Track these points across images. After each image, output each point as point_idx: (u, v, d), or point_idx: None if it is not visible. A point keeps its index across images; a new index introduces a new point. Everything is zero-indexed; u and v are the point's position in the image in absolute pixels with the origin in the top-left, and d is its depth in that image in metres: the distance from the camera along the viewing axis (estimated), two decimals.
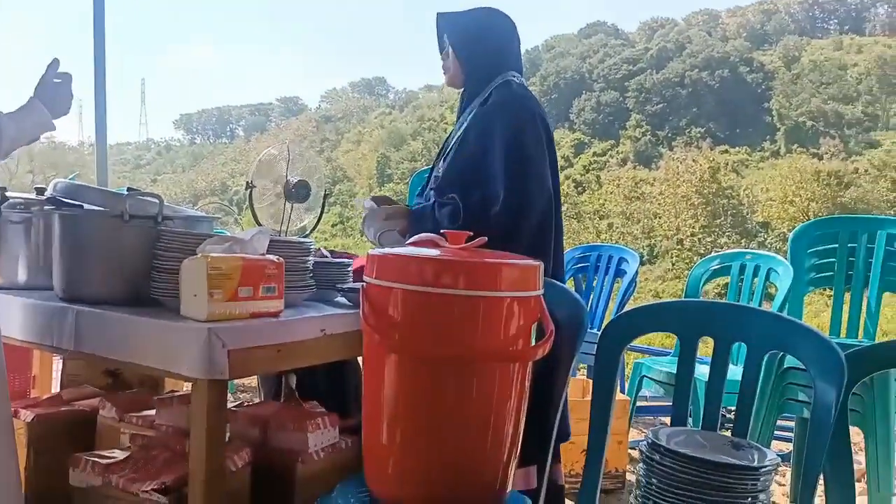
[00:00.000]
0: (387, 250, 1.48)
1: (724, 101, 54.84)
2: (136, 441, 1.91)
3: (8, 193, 2.01)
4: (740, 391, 1.57)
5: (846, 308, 3.01)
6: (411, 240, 1.63)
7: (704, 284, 3.49)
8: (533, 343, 1.47)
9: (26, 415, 2.09)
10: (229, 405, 2.02)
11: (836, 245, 3.04)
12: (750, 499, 1.35)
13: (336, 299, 2.01)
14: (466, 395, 1.40)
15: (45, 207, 1.84)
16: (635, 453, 3.08)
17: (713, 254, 3.74)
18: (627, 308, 2.79)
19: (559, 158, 2.29)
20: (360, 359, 1.61)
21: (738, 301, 3.30)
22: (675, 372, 1.72)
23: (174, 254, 1.63)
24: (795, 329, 1.53)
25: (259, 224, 2.32)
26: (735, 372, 1.65)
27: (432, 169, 2.33)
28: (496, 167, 2.03)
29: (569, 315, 1.71)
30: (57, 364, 2.97)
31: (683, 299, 2.67)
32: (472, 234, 1.51)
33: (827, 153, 46.29)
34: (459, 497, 1.43)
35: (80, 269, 1.71)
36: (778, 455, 1.45)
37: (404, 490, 1.44)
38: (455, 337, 1.37)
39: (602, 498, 2.84)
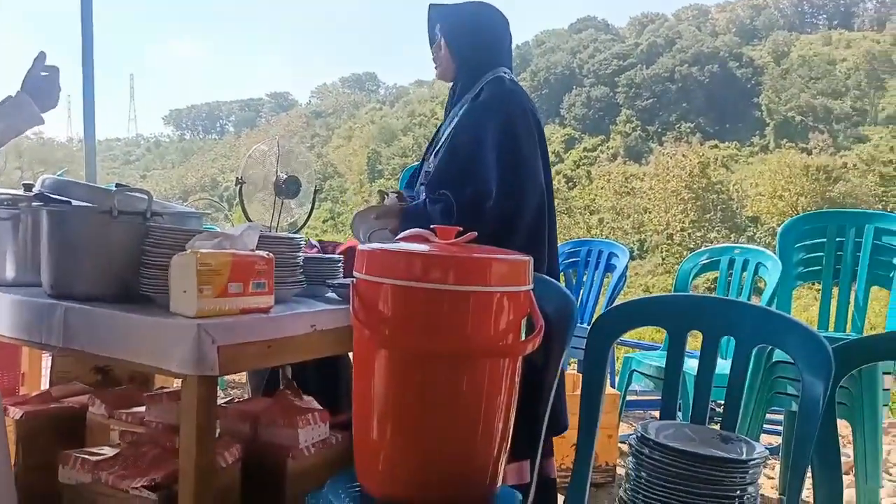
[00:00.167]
0: (376, 245, 1.48)
1: (713, 96, 55.01)
2: (125, 438, 1.91)
3: None
4: (729, 385, 1.58)
5: (834, 302, 3.03)
6: (401, 235, 1.63)
7: (694, 279, 3.50)
8: (523, 338, 1.47)
9: (15, 412, 2.08)
10: (219, 401, 2.02)
11: (825, 239, 3.06)
12: (738, 491, 1.35)
13: (326, 295, 2.01)
14: (456, 390, 1.40)
15: (33, 204, 1.82)
16: (625, 447, 3.09)
17: (703, 248, 3.75)
18: (617, 303, 2.80)
19: (550, 154, 2.29)
20: (351, 354, 1.61)
21: (728, 295, 3.31)
22: (664, 366, 1.73)
23: (163, 250, 1.62)
24: (783, 323, 1.54)
25: (249, 220, 2.32)
26: (724, 366, 1.66)
27: (422, 163, 2.33)
28: (489, 163, 2.03)
29: (558, 310, 1.71)
30: (46, 361, 2.96)
31: (672, 294, 2.68)
32: (461, 229, 1.51)
33: (816, 148, 46.52)
34: (450, 492, 1.44)
35: (69, 265, 1.70)
36: (767, 448, 1.46)
37: (395, 485, 1.44)
38: (445, 332, 1.37)
39: (592, 492, 2.85)
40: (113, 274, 1.69)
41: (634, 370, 3.25)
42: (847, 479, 2.69)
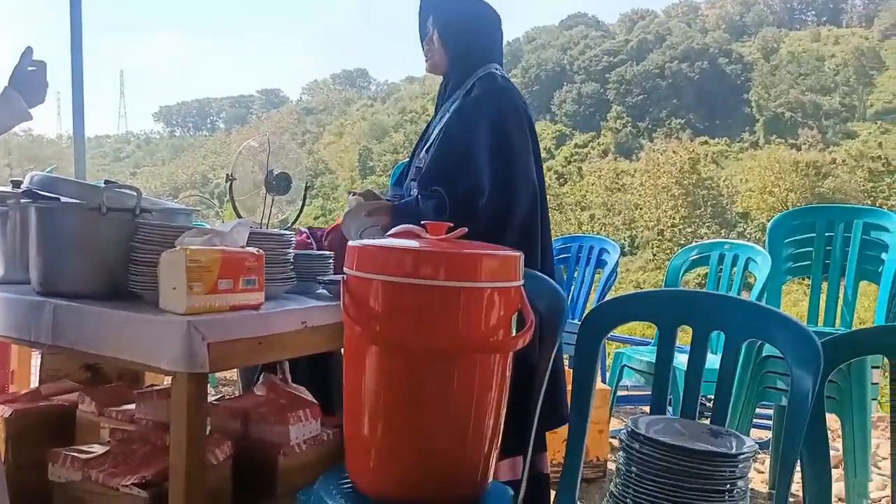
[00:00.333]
0: (367, 241, 1.47)
1: (703, 92, 55.20)
2: (115, 435, 1.90)
3: None
4: (719, 379, 1.59)
5: (823, 297, 3.04)
6: (392, 231, 1.63)
7: (684, 274, 3.51)
8: (513, 333, 1.48)
9: (4, 410, 2.07)
10: (210, 398, 2.01)
11: (814, 235, 3.07)
12: (728, 485, 1.36)
13: (317, 291, 2.01)
14: (447, 386, 1.40)
15: (22, 200, 1.81)
16: (616, 442, 3.10)
17: (693, 244, 3.76)
18: (608, 298, 2.80)
19: (541, 150, 2.29)
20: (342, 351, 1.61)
21: (718, 291, 3.33)
22: (654, 361, 1.73)
23: (152, 246, 1.61)
24: (772, 317, 1.54)
25: (240, 217, 2.31)
26: (714, 361, 1.67)
27: (411, 159, 2.32)
28: (481, 160, 2.02)
29: (549, 305, 1.72)
30: (36, 359, 2.94)
31: (662, 289, 2.69)
32: (451, 224, 1.51)
33: (805, 144, 46.76)
34: (441, 488, 1.44)
35: (58, 262, 1.69)
36: (757, 443, 1.47)
37: (386, 481, 1.44)
38: (436, 328, 1.37)
39: (583, 487, 2.87)
40: (102, 271, 1.68)
41: (625, 365, 3.26)
42: (836, 473, 2.71)
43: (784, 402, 2.57)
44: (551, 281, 1.80)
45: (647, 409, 1.69)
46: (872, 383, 2.49)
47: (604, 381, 3.69)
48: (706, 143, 50.14)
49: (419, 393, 1.40)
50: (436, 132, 2.20)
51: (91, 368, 2.53)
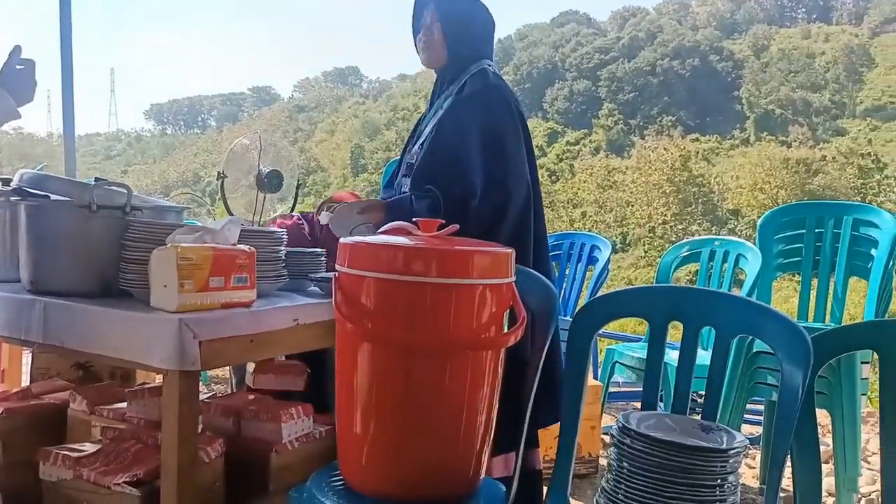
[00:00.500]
0: (359, 239, 1.47)
1: (694, 89, 55.36)
2: (107, 434, 1.89)
3: None
4: (709, 375, 1.59)
5: (813, 293, 3.06)
6: (383, 228, 1.63)
7: (675, 271, 3.52)
8: (505, 330, 1.48)
9: None
10: (202, 396, 2.01)
11: (804, 231, 3.08)
12: (719, 480, 1.37)
13: (309, 289, 2.01)
14: (439, 383, 1.40)
15: (11, 198, 1.81)
16: (608, 438, 3.11)
17: (684, 241, 3.77)
18: (599, 295, 2.81)
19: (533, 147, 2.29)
20: None
21: (708, 287, 3.34)
22: (645, 357, 1.73)
23: (143, 244, 1.61)
24: (762, 313, 1.55)
25: (231, 215, 2.31)
26: (705, 357, 1.67)
27: (403, 154, 2.32)
28: (474, 159, 2.03)
29: (541, 302, 1.72)
30: (26, 357, 2.93)
31: (653, 285, 2.70)
32: (443, 221, 1.51)
33: (795, 141, 46.97)
34: (433, 484, 1.44)
35: (48, 260, 1.69)
36: (748, 438, 1.48)
37: (378, 478, 1.45)
38: (427, 325, 1.38)
39: (576, 483, 2.88)
40: (92, 269, 1.67)
41: (617, 362, 3.27)
42: (826, 468, 2.73)
43: (774, 397, 2.58)
44: (543, 278, 1.80)
45: (638, 405, 1.69)
46: (862, 378, 2.50)
47: (595, 377, 3.70)
48: (697, 140, 50.31)
49: (411, 390, 1.40)
50: (428, 128, 2.20)
51: (82, 367, 2.52)
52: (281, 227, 2.80)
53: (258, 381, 2.24)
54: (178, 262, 1.50)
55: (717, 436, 1.43)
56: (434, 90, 2.28)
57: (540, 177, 2.23)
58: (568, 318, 3.44)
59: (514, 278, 1.48)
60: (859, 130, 49.17)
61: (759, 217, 3.41)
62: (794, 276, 3.26)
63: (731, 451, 1.37)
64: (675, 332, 1.75)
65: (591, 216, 41.37)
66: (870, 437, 3.42)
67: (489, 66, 2.19)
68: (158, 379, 2.05)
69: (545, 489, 1.81)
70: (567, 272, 4.09)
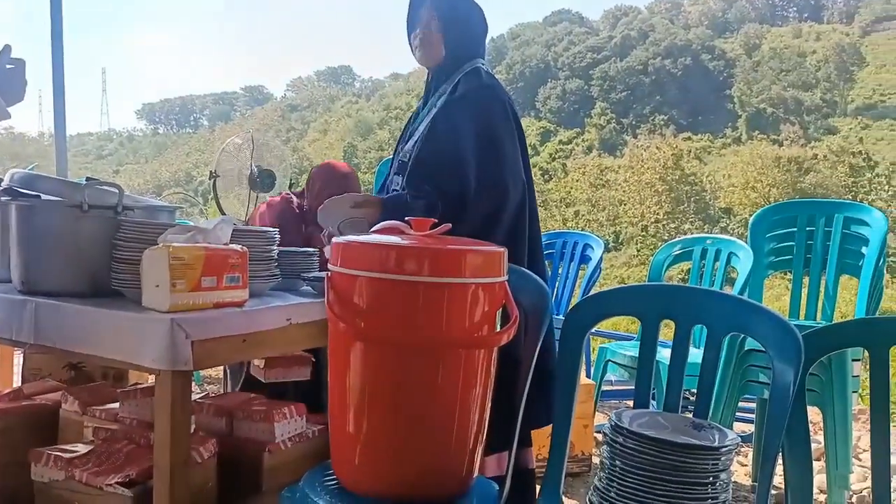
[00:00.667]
0: (351, 238, 1.47)
1: (686, 88, 55.51)
2: (99, 434, 1.89)
3: None
4: (701, 373, 1.60)
5: (805, 291, 3.07)
6: (375, 227, 1.63)
7: (667, 269, 3.53)
8: (498, 329, 1.48)
9: None
10: (195, 396, 2.01)
11: (795, 229, 3.10)
12: (711, 478, 1.37)
13: (301, 288, 2.00)
14: (432, 382, 1.40)
15: (2, 198, 1.80)
16: (601, 437, 3.12)
17: (676, 239, 3.78)
18: (592, 294, 2.82)
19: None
20: None
21: (700, 285, 3.35)
22: (638, 355, 1.74)
23: (135, 244, 1.60)
24: (753, 311, 1.56)
25: (224, 214, 2.30)
26: (697, 355, 1.68)
27: (395, 153, 2.32)
28: (470, 158, 2.02)
29: (533, 301, 1.72)
30: (18, 358, 2.92)
31: (645, 283, 2.71)
32: (436, 220, 1.51)
33: (787, 139, 47.14)
34: (426, 483, 1.44)
35: (39, 260, 1.68)
36: (740, 436, 1.48)
37: (371, 477, 1.44)
38: (420, 324, 1.38)
39: (569, 481, 2.88)
40: (84, 269, 1.67)
41: (609, 360, 3.28)
42: (818, 465, 2.74)
43: (766, 395, 2.59)
44: (535, 276, 1.81)
45: (631, 403, 1.70)
46: (853, 376, 2.52)
47: (588, 375, 3.71)
48: (689, 139, 50.44)
49: (404, 389, 1.40)
50: (421, 127, 2.19)
51: (74, 367, 2.51)
52: (271, 205, 2.80)
53: (269, 375, 2.23)
54: (170, 261, 1.49)
55: (708, 434, 1.44)
56: (427, 88, 2.28)
57: (533, 176, 2.23)
58: (561, 316, 3.44)
59: (506, 277, 1.48)
60: (850, 129, 49.39)
61: (750, 215, 3.42)
62: (785, 274, 3.27)
63: (723, 449, 1.38)
64: (667, 330, 1.75)
65: (583, 215, 41.45)
66: (861, 435, 3.44)
67: (482, 65, 2.19)
68: (151, 379, 2.05)
69: (538, 488, 1.82)
70: (560, 271, 4.10)
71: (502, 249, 1.48)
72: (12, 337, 1.66)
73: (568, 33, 65.05)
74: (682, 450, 1.36)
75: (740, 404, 2.87)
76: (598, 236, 4.20)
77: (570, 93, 58.37)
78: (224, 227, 1.68)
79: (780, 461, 1.49)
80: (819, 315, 3.03)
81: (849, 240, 2.97)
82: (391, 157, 2.45)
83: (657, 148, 43.41)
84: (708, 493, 1.36)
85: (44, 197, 1.74)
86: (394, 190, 2.19)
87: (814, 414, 2.78)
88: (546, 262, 4.14)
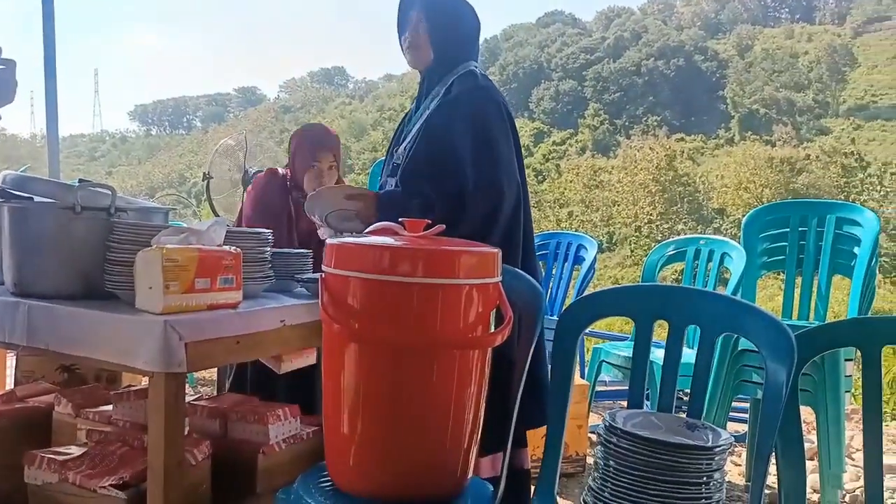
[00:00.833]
0: (346, 239, 1.47)
1: (679, 89, 55.66)
2: (92, 437, 1.88)
3: None
4: (694, 373, 1.60)
5: (798, 291, 3.08)
6: (369, 228, 1.63)
7: (660, 270, 3.54)
8: (492, 330, 1.48)
9: None
10: (188, 398, 2.00)
11: (788, 230, 3.11)
12: (705, 478, 1.38)
13: (295, 290, 2.00)
14: (426, 383, 1.40)
15: None
16: (595, 437, 3.12)
17: (669, 239, 3.79)
18: (586, 294, 2.82)
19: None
20: None
21: (694, 285, 3.36)
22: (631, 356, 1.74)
23: (128, 246, 1.60)
24: (746, 311, 1.56)
25: (217, 215, 2.30)
26: (691, 355, 1.69)
27: (388, 155, 2.31)
28: (466, 160, 2.02)
29: (527, 301, 1.73)
30: (11, 360, 2.91)
31: (638, 284, 2.71)
32: (429, 221, 1.51)
33: (779, 140, 47.31)
34: (421, 484, 1.44)
35: (32, 262, 1.67)
36: (733, 435, 1.49)
37: (366, 478, 1.44)
38: (414, 325, 1.38)
39: (563, 482, 2.89)
40: (77, 271, 1.66)
41: (603, 360, 3.28)
42: (811, 465, 2.75)
43: (760, 395, 2.60)
44: (529, 277, 1.81)
45: (625, 403, 1.70)
46: (846, 376, 2.53)
47: (582, 376, 3.71)
48: (682, 139, 50.60)
49: (398, 390, 1.40)
50: (415, 129, 2.19)
51: (67, 369, 2.50)
52: (256, 181, 2.80)
53: (286, 366, 2.22)
54: (163, 263, 1.49)
55: (702, 434, 1.44)
56: (420, 91, 2.27)
57: (527, 177, 2.23)
58: (554, 317, 3.45)
59: (500, 278, 1.48)
60: (842, 129, 49.62)
61: (743, 216, 3.43)
62: (778, 274, 3.28)
63: (717, 449, 1.38)
64: (661, 330, 1.76)
65: (577, 216, 41.49)
66: (854, 434, 3.45)
67: (475, 66, 2.19)
68: (144, 381, 2.04)
69: (533, 488, 1.82)
70: (554, 272, 4.10)
71: (496, 250, 1.48)
72: (5, 339, 1.66)
73: (561, 34, 65.19)
74: (676, 450, 1.36)
75: (734, 404, 2.88)
76: (591, 237, 4.21)
77: (564, 94, 58.47)
78: (217, 229, 1.67)
79: (773, 461, 1.50)
80: (812, 315, 3.04)
81: (841, 240, 2.98)
82: (384, 158, 2.45)
83: (650, 149, 43.52)
84: (702, 493, 1.37)
85: (36, 199, 1.73)
86: None
87: (807, 413, 2.79)
88: (540, 262, 4.16)
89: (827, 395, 2.47)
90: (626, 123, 54.83)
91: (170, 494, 1.49)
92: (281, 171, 2.81)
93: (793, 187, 37.64)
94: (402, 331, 1.37)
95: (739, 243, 3.22)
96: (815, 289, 3.04)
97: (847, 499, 2.89)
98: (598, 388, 3.60)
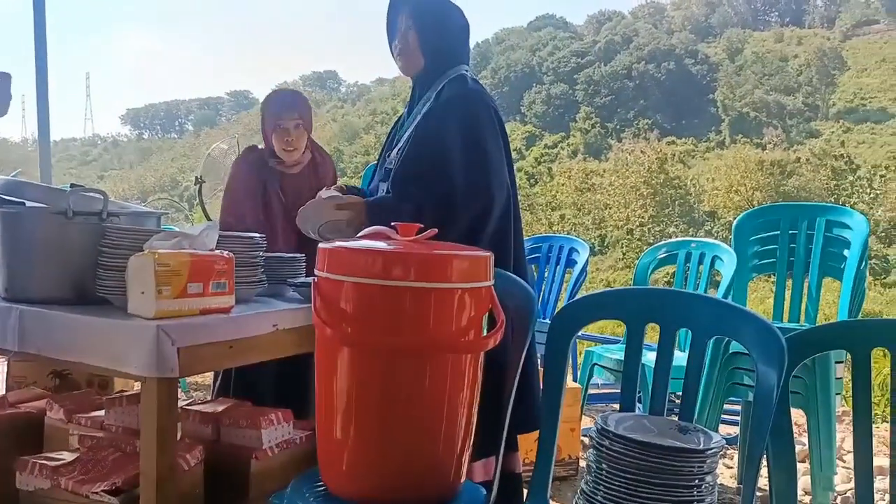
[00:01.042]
0: (338, 244, 1.47)
1: (670, 92, 55.86)
2: (85, 442, 1.87)
3: None
4: (686, 376, 1.61)
5: (788, 293, 3.09)
6: (362, 233, 1.63)
7: (652, 273, 3.55)
8: (484, 333, 1.48)
9: None
10: (181, 403, 2.00)
11: (778, 232, 3.12)
12: (696, 481, 1.38)
13: (288, 294, 2.00)
14: (419, 387, 1.40)
15: None
16: (588, 440, 3.12)
17: (661, 243, 3.80)
18: (577, 297, 2.82)
19: (511, 151, 2.30)
20: None
21: (685, 288, 3.37)
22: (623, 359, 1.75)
23: (120, 250, 1.60)
24: (737, 314, 1.57)
25: (209, 219, 2.29)
26: (682, 358, 1.69)
27: (380, 160, 2.32)
28: (456, 163, 2.02)
29: (519, 305, 1.73)
30: (2, 366, 2.90)
31: (630, 287, 2.72)
32: (421, 226, 1.51)
33: (770, 143, 47.51)
34: (414, 489, 1.44)
35: (23, 267, 1.67)
36: (725, 438, 1.49)
37: (359, 483, 1.45)
38: (407, 329, 1.38)
39: (556, 485, 2.89)
40: (69, 276, 1.66)
41: (595, 364, 3.29)
42: (802, 467, 2.76)
43: (751, 397, 2.61)
44: (521, 281, 1.81)
45: (617, 406, 1.71)
46: (836, 378, 2.54)
47: (575, 379, 3.72)
48: (673, 142, 50.76)
49: (391, 394, 1.40)
50: (407, 134, 2.20)
51: (59, 375, 2.50)
52: (240, 157, 2.83)
53: None
54: (155, 268, 1.49)
55: (694, 436, 1.45)
56: (412, 96, 2.28)
57: (518, 180, 2.24)
58: (546, 320, 3.45)
59: (492, 282, 1.49)
60: (832, 132, 49.87)
61: (734, 218, 3.44)
62: (769, 277, 3.30)
63: (709, 452, 1.39)
64: (653, 333, 1.76)
65: (569, 219, 41.54)
66: (845, 436, 3.46)
67: (466, 70, 2.19)
68: (136, 386, 2.03)
69: (525, 492, 1.82)
70: (546, 275, 4.11)
71: (488, 254, 1.49)
72: None
73: (552, 38, 65.34)
74: (668, 452, 1.37)
75: (725, 407, 2.89)
76: (583, 240, 4.22)
77: (555, 97, 58.58)
78: (210, 233, 1.67)
79: (764, 463, 1.51)
80: (802, 317, 3.05)
81: (831, 242, 3.00)
82: (377, 162, 2.45)
83: (642, 152, 43.66)
84: (693, 496, 1.37)
85: (28, 204, 1.73)
86: None
87: (798, 416, 2.81)
88: (532, 265, 4.17)
89: (818, 397, 2.48)
90: (618, 127, 54.98)
91: (162, 500, 1.49)
92: (259, 146, 2.85)
93: (783, 190, 37.80)
94: (394, 335, 1.38)
95: (730, 246, 3.23)
96: (805, 291, 3.05)
97: (838, 501, 2.90)
98: (591, 391, 3.60)
